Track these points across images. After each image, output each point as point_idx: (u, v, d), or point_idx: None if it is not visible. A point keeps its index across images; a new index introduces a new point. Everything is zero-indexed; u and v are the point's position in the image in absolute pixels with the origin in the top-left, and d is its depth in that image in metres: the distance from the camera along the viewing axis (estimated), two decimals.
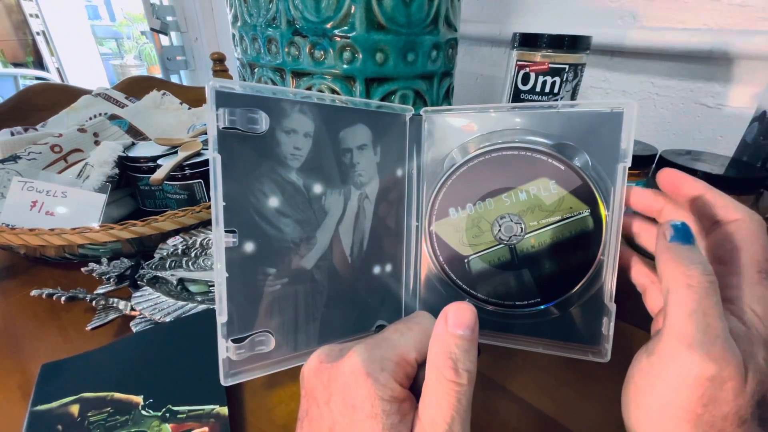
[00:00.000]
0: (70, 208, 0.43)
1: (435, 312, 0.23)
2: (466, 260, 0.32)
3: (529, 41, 0.40)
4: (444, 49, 0.41)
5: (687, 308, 0.17)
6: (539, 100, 0.41)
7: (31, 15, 2.59)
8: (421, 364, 0.20)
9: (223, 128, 0.24)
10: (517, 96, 0.42)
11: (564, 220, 0.29)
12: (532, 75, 0.40)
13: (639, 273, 0.27)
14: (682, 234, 0.20)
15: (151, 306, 0.35)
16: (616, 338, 0.28)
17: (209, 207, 0.43)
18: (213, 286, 0.38)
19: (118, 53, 3.75)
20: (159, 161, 0.48)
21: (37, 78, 2.48)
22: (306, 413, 0.19)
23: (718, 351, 0.16)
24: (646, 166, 0.37)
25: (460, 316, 0.19)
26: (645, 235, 0.27)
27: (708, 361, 0.16)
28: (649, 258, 0.26)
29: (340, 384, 0.18)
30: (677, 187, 0.24)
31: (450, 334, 0.19)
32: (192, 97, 0.75)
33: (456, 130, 0.32)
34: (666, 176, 0.25)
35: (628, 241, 0.28)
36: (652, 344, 0.19)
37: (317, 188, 0.29)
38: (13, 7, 2.64)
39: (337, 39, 0.36)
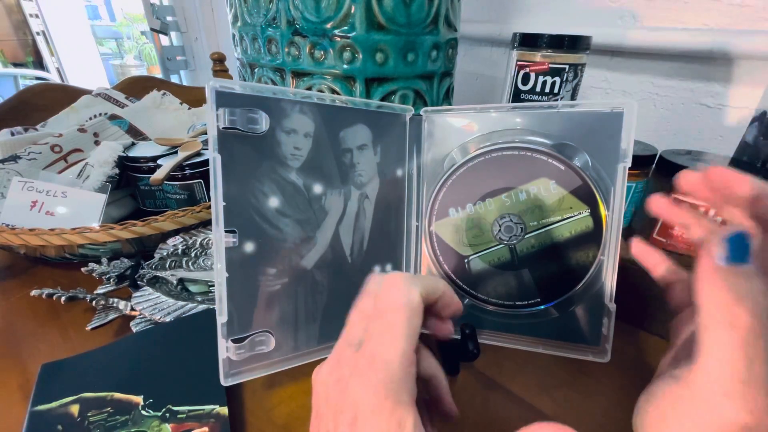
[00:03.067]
0: (70, 208, 0.43)
1: None
2: (466, 260, 0.32)
3: (529, 41, 0.40)
4: (444, 49, 0.41)
5: (728, 353, 0.15)
6: (539, 100, 0.41)
7: (31, 15, 2.59)
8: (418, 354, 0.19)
9: (223, 128, 0.25)
10: (517, 96, 0.42)
11: (564, 220, 0.29)
12: (532, 75, 0.40)
13: (664, 270, 0.25)
14: (738, 251, 0.15)
15: (151, 306, 0.35)
16: (616, 338, 0.28)
17: (209, 207, 0.43)
18: (213, 286, 0.38)
19: (118, 53, 3.75)
20: (159, 161, 0.48)
21: (37, 78, 2.48)
22: None
23: (759, 402, 0.15)
24: (646, 166, 0.37)
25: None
26: (697, 228, 0.23)
27: (746, 412, 0.15)
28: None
29: (347, 419, 0.17)
30: (728, 188, 0.20)
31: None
32: (192, 97, 0.75)
33: (456, 130, 0.32)
34: (717, 175, 0.20)
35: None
36: (683, 372, 0.17)
37: (317, 188, 0.29)
38: (13, 7, 2.64)
39: (337, 39, 0.36)
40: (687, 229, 0.24)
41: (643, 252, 0.26)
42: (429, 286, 0.20)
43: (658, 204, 0.24)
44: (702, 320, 0.16)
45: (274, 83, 0.40)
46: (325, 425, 0.18)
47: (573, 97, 0.42)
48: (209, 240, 0.41)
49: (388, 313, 0.19)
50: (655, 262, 0.26)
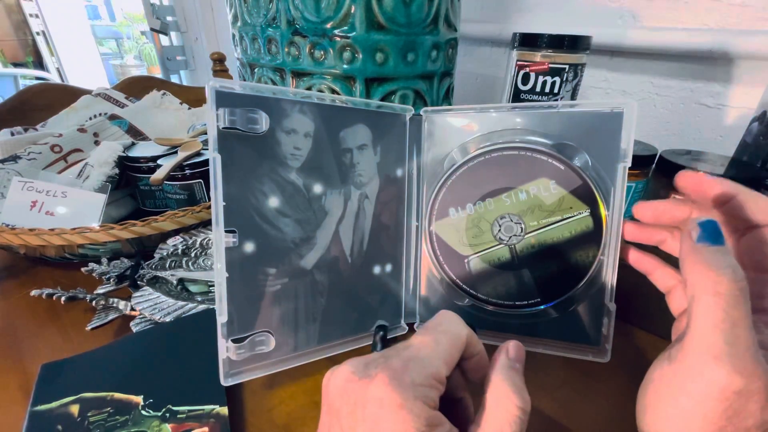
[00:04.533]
0: (70, 208, 0.43)
1: (435, 312, 0.23)
2: (466, 260, 0.32)
3: (529, 41, 0.40)
4: (444, 49, 0.41)
5: (714, 318, 0.16)
6: (539, 100, 0.41)
7: (31, 15, 2.59)
8: (449, 376, 0.20)
9: (223, 128, 0.25)
10: (517, 96, 0.42)
11: (564, 220, 0.29)
12: (532, 75, 0.40)
13: (663, 275, 0.26)
14: (711, 233, 0.18)
15: (151, 306, 0.35)
16: (616, 338, 0.28)
17: (209, 207, 0.43)
18: (213, 286, 0.38)
19: (118, 53, 3.75)
20: (159, 161, 0.48)
21: (37, 78, 2.48)
22: (328, 430, 0.18)
23: (747, 364, 0.16)
24: (646, 166, 0.37)
25: (519, 352, 0.21)
26: (671, 241, 0.25)
27: (735, 374, 0.16)
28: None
29: (368, 413, 0.17)
30: (702, 190, 0.22)
31: (512, 367, 0.19)
32: (192, 97, 0.75)
33: (456, 130, 0.32)
34: (686, 180, 0.23)
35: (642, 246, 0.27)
36: (674, 351, 0.18)
37: (317, 188, 0.29)
38: (13, 7, 2.64)
39: (337, 39, 0.36)
40: (662, 244, 0.26)
41: (639, 260, 0.27)
42: (474, 337, 0.21)
43: (629, 232, 0.27)
44: (689, 293, 0.18)
45: (274, 83, 0.40)
46: (339, 421, 0.18)
47: (573, 97, 0.42)
48: (209, 240, 0.41)
49: (436, 333, 0.20)
50: (651, 268, 0.26)
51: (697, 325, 0.17)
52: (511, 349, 0.21)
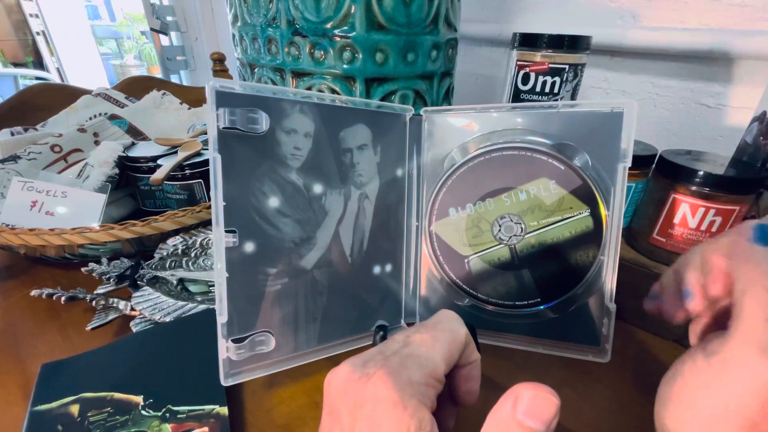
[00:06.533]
0: (70, 208, 0.43)
1: (434, 312, 0.23)
2: (466, 260, 0.32)
3: (529, 41, 0.40)
4: (444, 49, 0.41)
5: (764, 311, 0.16)
6: (539, 100, 0.41)
7: (31, 15, 2.59)
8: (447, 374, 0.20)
9: (223, 128, 0.25)
10: (517, 96, 0.42)
11: (564, 220, 0.29)
12: (532, 75, 0.40)
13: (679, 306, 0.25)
14: (763, 236, 0.19)
15: (151, 306, 0.35)
16: (616, 338, 0.28)
17: (209, 207, 0.43)
18: (213, 286, 0.38)
19: (118, 53, 3.75)
20: (159, 161, 0.48)
21: (37, 78, 2.48)
22: (329, 431, 0.19)
23: None
24: (646, 166, 0.37)
25: (537, 405, 0.15)
26: (698, 300, 0.24)
27: None
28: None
29: (366, 412, 0.17)
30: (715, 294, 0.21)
31: (517, 423, 0.15)
32: (192, 97, 0.75)
33: (456, 130, 0.32)
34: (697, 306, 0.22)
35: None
36: (713, 345, 0.18)
37: (317, 188, 0.29)
38: (13, 7, 2.64)
39: (337, 39, 0.36)
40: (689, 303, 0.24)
41: (658, 309, 0.26)
42: (471, 343, 0.21)
43: (651, 307, 0.26)
44: (739, 288, 0.18)
45: (274, 83, 0.40)
46: (339, 422, 0.18)
47: (573, 97, 0.42)
48: (209, 240, 0.41)
49: (435, 331, 0.20)
50: (672, 311, 0.25)
51: (745, 318, 0.17)
52: (523, 401, 0.15)
